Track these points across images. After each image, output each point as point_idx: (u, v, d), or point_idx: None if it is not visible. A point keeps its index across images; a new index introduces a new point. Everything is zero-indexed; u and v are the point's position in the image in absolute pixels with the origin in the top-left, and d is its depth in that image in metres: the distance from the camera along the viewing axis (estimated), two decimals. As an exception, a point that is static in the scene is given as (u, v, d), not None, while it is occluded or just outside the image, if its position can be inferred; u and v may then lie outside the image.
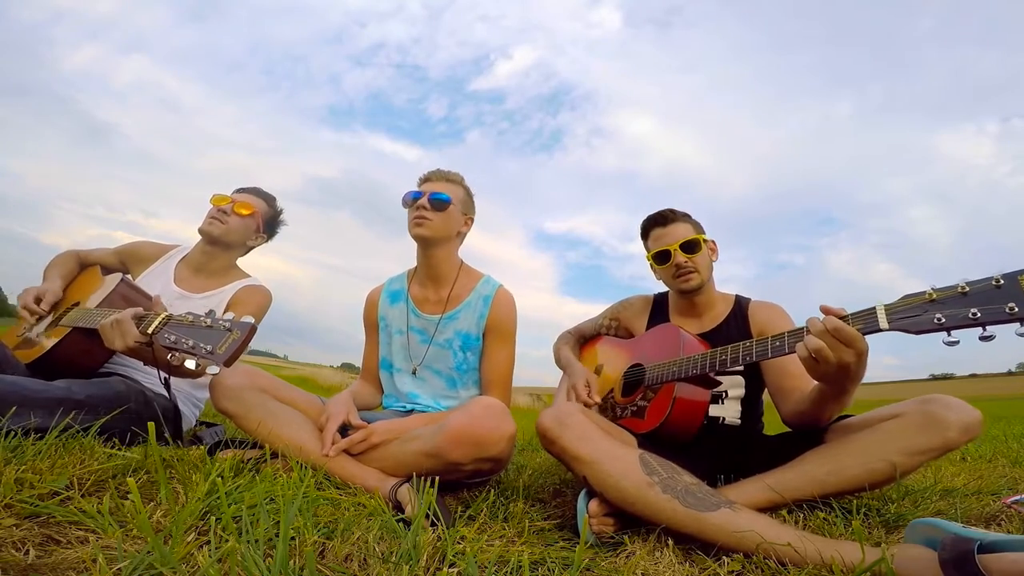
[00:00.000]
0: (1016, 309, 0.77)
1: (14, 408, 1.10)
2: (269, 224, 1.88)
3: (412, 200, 1.54)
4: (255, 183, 2.02)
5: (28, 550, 0.66)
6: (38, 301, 1.52)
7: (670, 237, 1.52)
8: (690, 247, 1.49)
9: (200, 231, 1.72)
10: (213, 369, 1.06)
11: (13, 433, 1.01)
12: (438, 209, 1.52)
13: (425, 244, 1.56)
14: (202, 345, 1.07)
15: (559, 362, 1.74)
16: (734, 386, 1.46)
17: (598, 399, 1.43)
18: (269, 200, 1.89)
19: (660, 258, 1.53)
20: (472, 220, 1.64)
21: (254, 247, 1.87)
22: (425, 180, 1.61)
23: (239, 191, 1.86)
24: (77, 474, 0.91)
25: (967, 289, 0.82)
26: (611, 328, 1.74)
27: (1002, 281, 0.80)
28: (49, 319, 1.54)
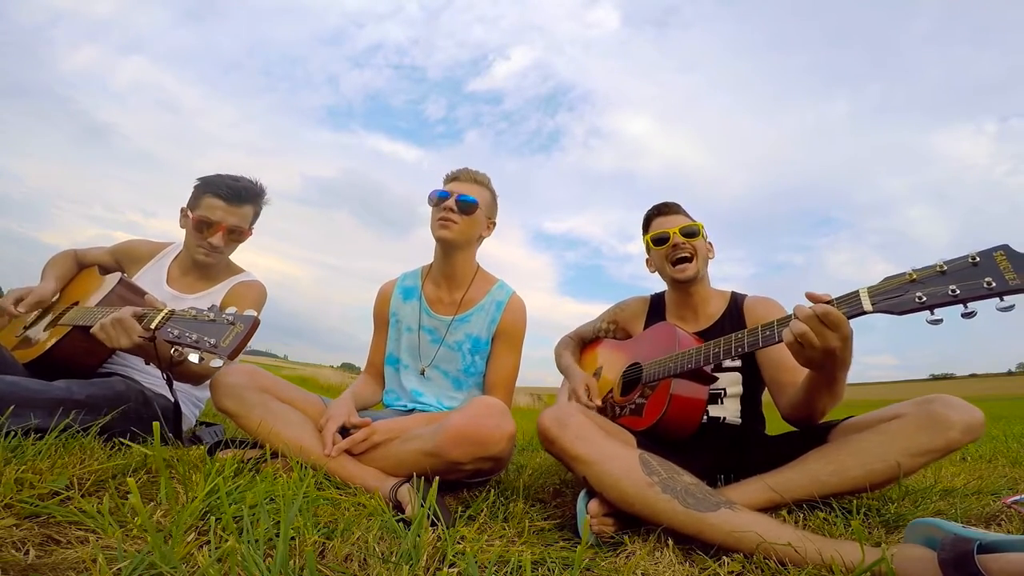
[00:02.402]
0: (994, 284, 0.78)
1: (13, 408, 1.10)
2: (256, 217, 1.73)
3: (439, 199, 1.51)
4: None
5: (28, 550, 0.66)
6: (17, 304, 1.48)
7: (672, 223, 1.55)
8: (690, 233, 1.52)
9: (193, 259, 1.63)
10: (217, 362, 1.06)
11: (13, 433, 1.01)
12: (465, 212, 1.49)
13: (447, 246, 1.54)
14: (206, 339, 1.08)
15: (560, 367, 1.75)
16: (732, 384, 1.47)
17: (598, 402, 1.45)
18: (257, 198, 1.67)
19: (658, 240, 1.55)
20: (494, 224, 1.62)
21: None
22: (453, 179, 1.57)
23: (226, 200, 1.58)
24: (77, 474, 0.91)
25: (945, 268, 0.84)
26: (609, 331, 1.75)
27: (978, 258, 0.81)
28: (48, 319, 1.54)
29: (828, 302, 0.96)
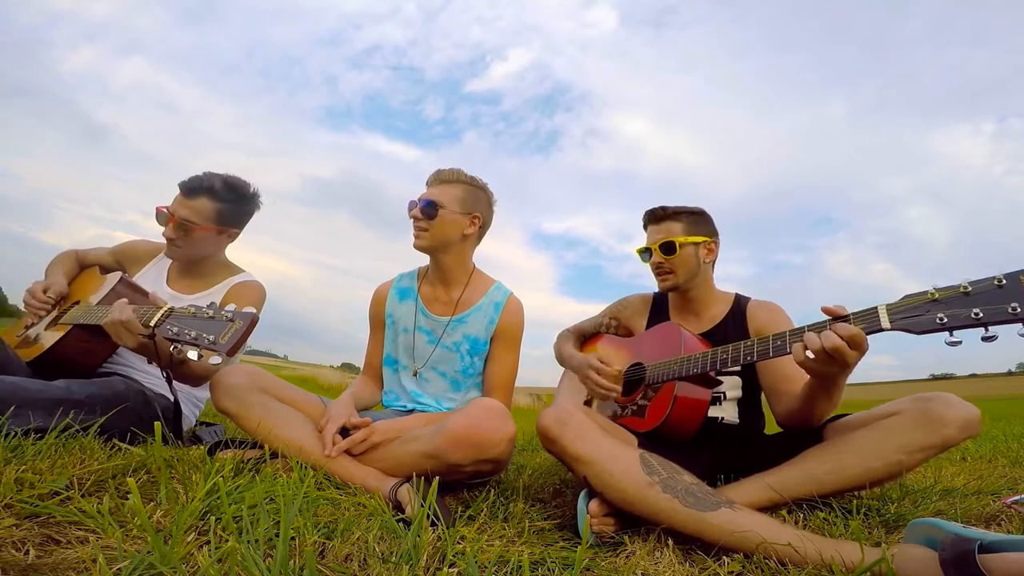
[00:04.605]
0: (1019, 309, 0.76)
1: (13, 408, 1.10)
2: (230, 216, 1.65)
3: (409, 209, 1.53)
4: (254, 183, 1.74)
5: (28, 550, 0.66)
6: (45, 292, 1.52)
7: (656, 235, 1.54)
8: (667, 248, 1.50)
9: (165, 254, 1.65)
10: (216, 359, 1.06)
11: (13, 433, 1.01)
12: (428, 217, 1.50)
13: (427, 253, 1.56)
14: (205, 335, 1.08)
15: (560, 358, 1.74)
16: (731, 387, 1.46)
17: (613, 369, 1.44)
18: (215, 193, 1.60)
19: (643, 254, 1.57)
20: (479, 218, 1.57)
21: (232, 240, 1.73)
22: (427, 185, 1.59)
23: (182, 192, 1.58)
24: (77, 474, 0.91)
25: (969, 289, 0.82)
26: (611, 327, 1.74)
27: (1004, 281, 0.79)
28: (51, 317, 1.54)
29: (844, 316, 0.95)
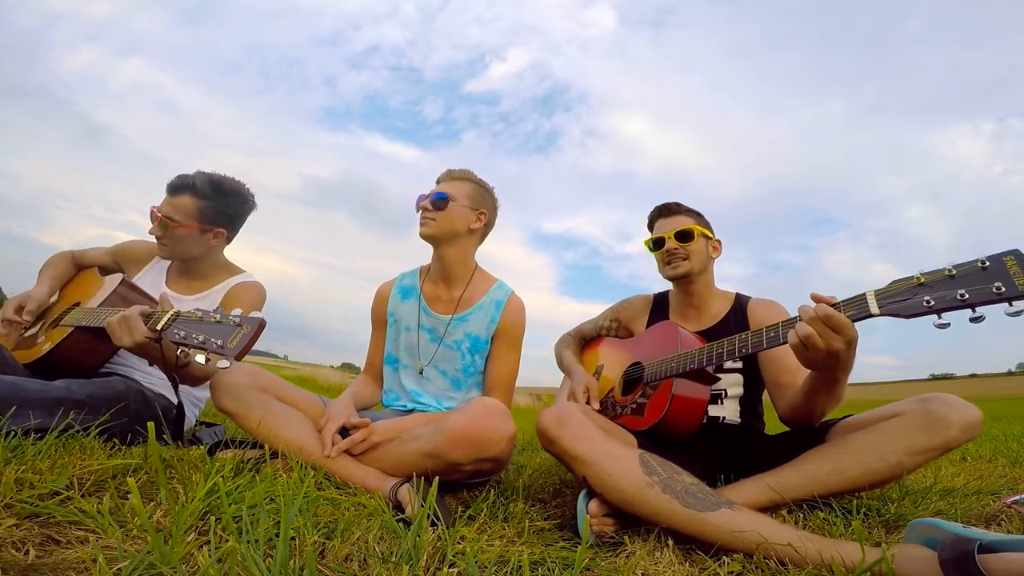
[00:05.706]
0: (1003, 289, 0.78)
1: (14, 408, 1.10)
2: (213, 215, 1.62)
3: (418, 203, 1.58)
4: (253, 183, 1.77)
5: (28, 550, 0.66)
6: (19, 311, 1.49)
7: (670, 225, 1.57)
8: (684, 236, 1.53)
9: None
10: (223, 363, 1.07)
11: (13, 433, 1.01)
12: (438, 208, 1.54)
13: (431, 242, 1.58)
14: (212, 340, 1.08)
15: (561, 365, 1.75)
16: (733, 385, 1.47)
17: (596, 405, 1.45)
18: (197, 191, 1.59)
19: (655, 244, 1.59)
20: (485, 215, 1.61)
21: (226, 241, 1.71)
22: (437, 182, 1.63)
23: (167, 191, 1.59)
24: (77, 474, 0.91)
25: (954, 272, 0.84)
26: (611, 329, 1.75)
27: (988, 263, 0.81)
28: (48, 320, 1.54)
29: (834, 305, 0.96)
